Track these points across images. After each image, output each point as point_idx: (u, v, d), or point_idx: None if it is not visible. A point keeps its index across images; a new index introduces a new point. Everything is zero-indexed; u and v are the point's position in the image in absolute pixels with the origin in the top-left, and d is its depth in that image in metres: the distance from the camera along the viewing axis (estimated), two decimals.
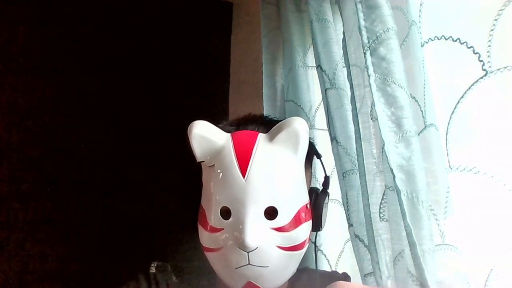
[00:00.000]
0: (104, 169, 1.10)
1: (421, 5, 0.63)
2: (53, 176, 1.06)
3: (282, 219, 0.55)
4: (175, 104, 1.20)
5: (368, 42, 0.62)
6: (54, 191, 1.06)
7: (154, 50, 1.20)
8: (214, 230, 0.56)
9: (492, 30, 0.54)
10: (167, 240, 1.12)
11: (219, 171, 0.57)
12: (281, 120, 0.60)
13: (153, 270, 0.71)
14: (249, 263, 0.54)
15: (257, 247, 0.53)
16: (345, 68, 0.72)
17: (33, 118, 1.06)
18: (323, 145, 0.83)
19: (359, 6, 0.63)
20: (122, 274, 0.68)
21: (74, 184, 1.07)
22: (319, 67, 0.77)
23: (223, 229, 0.56)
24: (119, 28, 1.17)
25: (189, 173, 0.66)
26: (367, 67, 0.61)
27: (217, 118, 0.66)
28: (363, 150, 0.67)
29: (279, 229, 0.55)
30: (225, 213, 0.56)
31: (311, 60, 0.88)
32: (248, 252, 0.54)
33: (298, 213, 0.57)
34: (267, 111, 0.93)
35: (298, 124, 0.57)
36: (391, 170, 0.56)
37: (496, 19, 0.54)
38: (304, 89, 0.85)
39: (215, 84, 1.26)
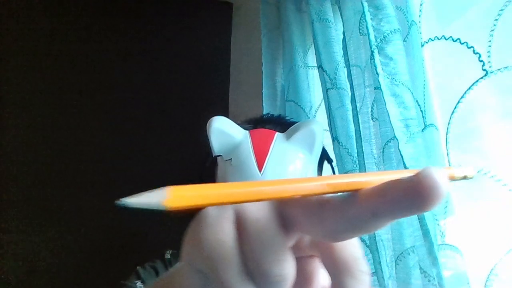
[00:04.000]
0: (106, 169, 1.10)
1: (421, 5, 0.63)
2: (53, 175, 1.06)
3: None
4: (175, 104, 1.20)
5: (376, 41, 0.62)
6: (54, 190, 1.06)
7: (154, 50, 1.20)
8: None
9: (492, 30, 0.54)
10: (175, 236, 1.12)
11: (236, 164, 0.58)
12: (297, 122, 0.61)
13: (168, 256, 0.73)
14: None
15: None
16: (346, 68, 0.72)
17: (31, 117, 1.06)
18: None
19: (365, 5, 0.63)
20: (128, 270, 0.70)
21: (75, 183, 1.07)
22: (320, 67, 0.77)
23: None
24: (119, 28, 1.17)
25: (190, 171, 0.66)
26: (375, 66, 0.61)
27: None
28: (363, 150, 0.67)
29: None
30: None
31: (311, 60, 0.88)
32: None
33: None
34: (267, 111, 0.93)
35: (315, 125, 0.59)
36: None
37: (496, 19, 0.54)
38: (304, 89, 0.85)
39: (215, 84, 1.26)
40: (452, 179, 0.21)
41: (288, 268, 0.19)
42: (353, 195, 0.18)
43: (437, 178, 0.15)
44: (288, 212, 0.20)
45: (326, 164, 0.71)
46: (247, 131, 0.61)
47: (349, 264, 0.20)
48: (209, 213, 0.20)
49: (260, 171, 0.56)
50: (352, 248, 0.20)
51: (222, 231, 0.19)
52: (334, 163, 0.76)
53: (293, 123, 0.63)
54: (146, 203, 0.15)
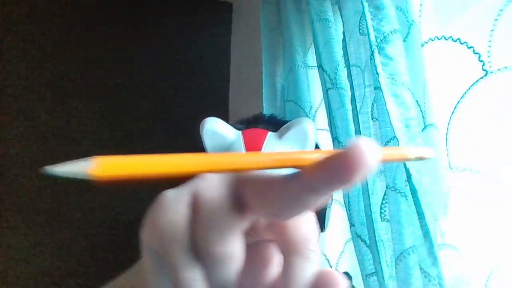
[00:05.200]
0: None
1: (421, 5, 0.63)
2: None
3: None
4: (175, 104, 1.20)
5: (376, 41, 0.62)
6: (54, 190, 1.06)
7: (154, 50, 1.20)
8: None
9: (492, 30, 0.54)
10: None
11: None
12: (290, 121, 0.61)
13: None
14: None
15: None
16: (346, 68, 0.72)
17: (31, 115, 1.06)
18: (322, 145, 0.83)
19: (365, 5, 0.63)
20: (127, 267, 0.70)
21: (75, 182, 1.07)
22: (320, 67, 0.77)
23: None
24: (119, 28, 1.17)
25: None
26: (375, 66, 0.60)
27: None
28: None
29: None
30: None
31: (311, 60, 0.88)
32: None
33: None
34: (267, 111, 0.93)
35: (306, 123, 0.58)
36: (407, 170, 0.55)
37: (496, 19, 0.54)
38: (304, 89, 0.85)
39: (215, 84, 1.26)
40: (406, 159, 0.22)
41: (232, 247, 0.19)
42: (297, 173, 0.18)
43: (363, 147, 0.15)
44: (242, 192, 0.20)
45: None
46: (240, 132, 0.61)
47: (299, 244, 0.20)
48: (167, 196, 0.20)
49: None
50: (304, 229, 0.20)
51: (175, 211, 0.19)
52: None
53: (286, 122, 0.62)
54: (72, 171, 0.15)
